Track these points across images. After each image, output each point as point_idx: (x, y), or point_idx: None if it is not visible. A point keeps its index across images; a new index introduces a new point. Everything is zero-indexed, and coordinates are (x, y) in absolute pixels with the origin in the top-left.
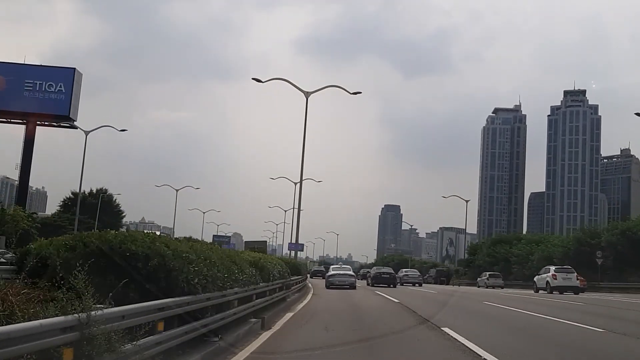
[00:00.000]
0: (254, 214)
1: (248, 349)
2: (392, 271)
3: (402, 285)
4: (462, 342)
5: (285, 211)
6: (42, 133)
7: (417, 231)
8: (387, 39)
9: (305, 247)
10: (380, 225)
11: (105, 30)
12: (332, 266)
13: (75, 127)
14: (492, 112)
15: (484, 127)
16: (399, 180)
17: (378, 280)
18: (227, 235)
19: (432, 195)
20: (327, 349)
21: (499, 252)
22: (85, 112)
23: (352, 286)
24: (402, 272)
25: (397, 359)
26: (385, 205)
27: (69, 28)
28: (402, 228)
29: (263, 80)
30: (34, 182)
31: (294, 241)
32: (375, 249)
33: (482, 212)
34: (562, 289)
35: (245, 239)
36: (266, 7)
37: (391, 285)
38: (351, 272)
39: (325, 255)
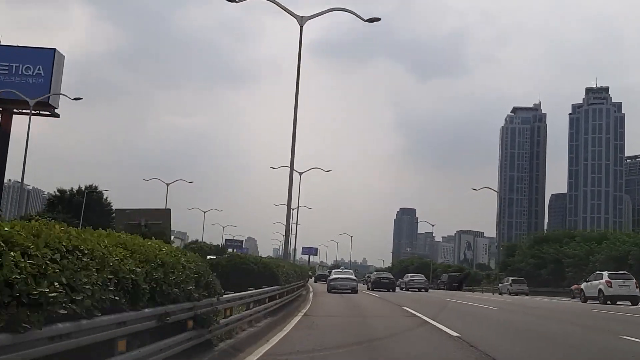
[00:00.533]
0: (266, 218)
1: None
2: (392, 276)
3: (408, 290)
4: None
5: (293, 209)
6: (40, 125)
7: (432, 235)
8: (400, 41)
9: (318, 250)
10: (396, 229)
11: (120, 35)
12: (333, 270)
13: (56, 115)
14: (511, 112)
15: (502, 126)
16: (413, 183)
17: (378, 285)
18: (239, 239)
19: (448, 198)
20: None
21: (546, 252)
22: (102, 115)
23: (354, 290)
24: (408, 277)
25: None
26: (400, 208)
27: (84, 34)
28: (418, 232)
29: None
30: (31, 181)
31: (303, 243)
32: (391, 252)
33: (501, 215)
34: (617, 299)
35: (259, 243)
36: (278, 10)
37: (390, 290)
38: (353, 277)
39: (339, 259)
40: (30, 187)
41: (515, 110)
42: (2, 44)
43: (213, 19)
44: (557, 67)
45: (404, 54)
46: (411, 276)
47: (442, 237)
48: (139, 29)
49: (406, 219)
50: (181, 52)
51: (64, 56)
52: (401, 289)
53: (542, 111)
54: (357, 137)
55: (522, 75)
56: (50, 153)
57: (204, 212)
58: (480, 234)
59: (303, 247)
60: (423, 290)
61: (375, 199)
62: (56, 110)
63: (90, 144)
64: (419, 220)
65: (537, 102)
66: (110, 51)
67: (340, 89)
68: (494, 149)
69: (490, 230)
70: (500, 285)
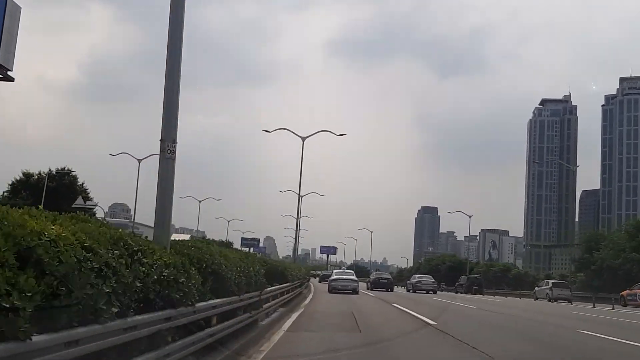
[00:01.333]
0: (284, 219)
1: None
2: (390, 277)
3: (415, 292)
4: None
5: (311, 218)
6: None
7: (454, 234)
8: (420, 39)
9: (337, 249)
10: (417, 228)
11: (140, 36)
12: (335, 270)
13: (10, 79)
14: (539, 104)
15: (530, 119)
16: (434, 182)
17: (376, 285)
18: (255, 238)
19: (470, 197)
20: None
21: None
22: (122, 117)
23: (355, 291)
24: (415, 278)
25: None
26: (422, 207)
27: (105, 35)
28: (440, 231)
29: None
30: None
31: (322, 242)
32: (412, 252)
33: (530, 212)
34: None
35: (277, 243)
36: (298, 10)
37: (388, 290)
38: (354, 277)
39: (359, 259)
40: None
41: (544, 102)
42: None
43: (232, 20)
44: (584, 62)
45: (424, 51)
46: (419, 277)
47: (465, 236)
48: (159, 29)
49: (427, 217)
50: (200, 53)
51: (20, 7)
52: (408, 290)
53: (572, 103)
54: (377, 136)
55: (547, 71)
56: (67, 152)
57: (198, 202)
58: (506, 233)
59: (321, 246)
60: (431, 292)
61: (396, 198)
62: (10, 74)
63: (108, 143)
64: (440, 220)
65: (567, 94)
66: (131, 52)
67: (360, 87)
68: (517, 146)
69: (516, 229)
70: (537, 289)
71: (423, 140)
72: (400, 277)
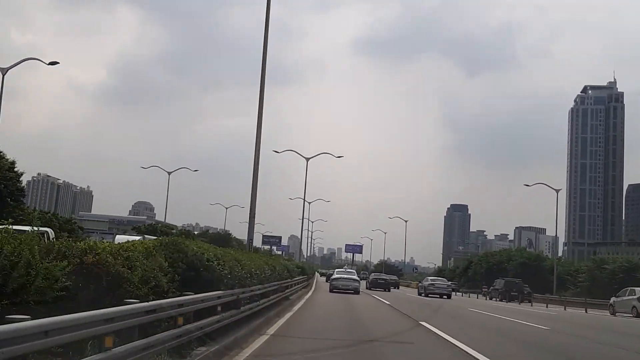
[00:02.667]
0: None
1: None
2: (387, 277)
3: (427, 296)
4: None
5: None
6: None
7: (484, 233)
8: (448, 36)
9: (362, 247)
10: (446, 226)
11: (166, 38)
12: (336, 270)
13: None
14: (581, 91)
15: (571, 108)
16: (463, 181)
17: (375, 285)
18: (276, 235)
19: (501, 195)
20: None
21: None
22: (149, 119)
23: (356, 291)
24: (428, 280)
25: None
26: (451, 205)
27: (132, 37)
28: (470, 230)
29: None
30: (79, 182)
31: (347, 240)
32: (441, 252)
33: (572, 208)
34: None
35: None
36: (322, 9)
37: (386, 290)
38: (355, 277)
39: (386, 258)
40: (61, 181)
41: (586, 89)
42: None
43: (256, 20)
44: (621, 57)
45: (451, 49)
46: (432, 280)
47: (495, 235)
48: (184, 31)
49: (457, 215)
50: (226, 54)
51: None
52: (420, 294)
53: (618, 90)
54: (403, 134)
55: (580, 68)
56: (89, 151)
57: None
58: (542, 231)
59: (346, 245)
60: (445, 296)
61: (423, 196)
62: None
63: (135, 145)
64: (471, 218)
65: (612, 80)
66: (157, 54)
67: (387, 86)
68: (553, 141)
69: (553, 226)
70: (614, 299)
71: (451, 138)
72: (441, 276)
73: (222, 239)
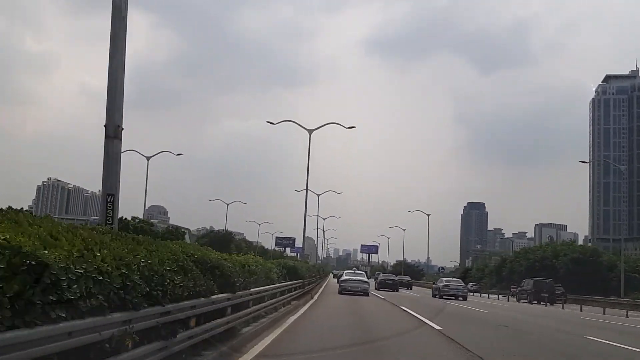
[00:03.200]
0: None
1: None
2: (395, 278)
3: (442, 298)
4: None
5: (338, 218)
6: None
7: (502, 231)
8: (460, 33)
9: (378, 247)
10: (463, 225)
11: (179, 42)
12: (345, 271)
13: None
14: (603, 81)
15: (592, 99)
16: (478, 179)
17: (383, 285)
18: (289, 237)
19: (518, 193)
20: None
21: None
22: (163, 123)
23: (365, 293)
24: (442, 281)
25: None
26: (468, 203)
27: (145, 42)
28: (488, 228)
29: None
30: (90, 186)
31: (362, 240)
32: (459, 251)
33: (595, 202)
34: None
35: (318, 244)
36: (333, 10)
37: (394, 290)
38: (365, 278)
39: (402, 258)
40: (72, 186)
41: (607, 78)
42: None
43: (267, 21)
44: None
45: (464, 46)
46: (446, 281)
47: (513, 233)
48: (196, 34)
49: (475, 214)
50: (238, 56)
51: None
52: (434, 295)
53: None
54: (417, 133)
55: (599, 60)
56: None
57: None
58: (564, 228)
59: (361, 245)
60: (460, 298)
61: (439, 195)
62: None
63: (147, 148)
64: (488, 216)
65: (635, 69)
66: (169, 58)
67: (399, 85)
68: (572, 136)
69: (575, 223)
70: None
71: (463, 136)
72: (466, 277)
73: (223, 239)
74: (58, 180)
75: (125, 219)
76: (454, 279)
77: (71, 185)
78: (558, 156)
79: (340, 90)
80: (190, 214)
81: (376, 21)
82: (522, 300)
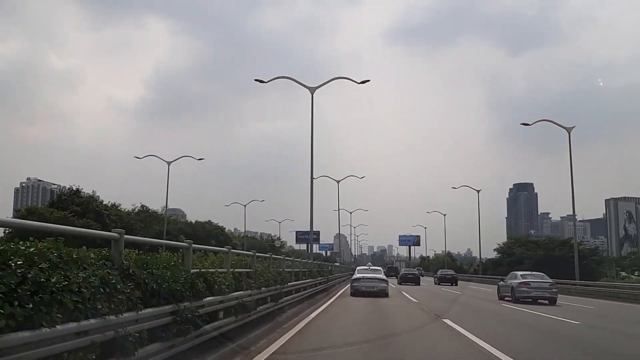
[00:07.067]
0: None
1: None
2: (417, 272)
3: (518, 302)
4: None
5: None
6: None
7: (549, 215)
8: (485, 15)
9: (419, 238)
10: (510, 208)
11: (200, 47)
12: (358, 268)
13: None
14: None
15: None
16: (514, 165)
17: (405, 280)
18: (312, 231)
19: (561, 178)
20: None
21: None
22: (191, 128)
23: (384, 292)
24: (517, 277)
25: None
26: (514, 184)
27: (166, 50)
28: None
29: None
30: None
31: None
32: (505, 239)
33: None
34: None
35: (349, 241)
36: (353, 2)
37: (415, 284)
38: (382, 276)
39: (444, 250)
40: (55, 186)
41: None
42: None
43: (287, 19)
44: None
45: (489, 28)
46: (523, 277)
47: (561, 217)
48: (216, 37)
49: (523, 196)
50: (259, 56)
51: None
52: (502, 297)
53: None
54: (446, 121)
55: (633, 32)
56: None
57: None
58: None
59: (400, 237)
60: (546, 302)
61: (477, 181)
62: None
63: (176, 152)
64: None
65: None
66: (192, 64)
67: (425, 73)
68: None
69: None
70: None
71: (496, 122)
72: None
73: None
74: (38, 180)
75: None
76: (532, 272)
77: (55, 186)
78: (599, 134)
79: (366, 83)
80: (217, 218)
81: (398, 10)
82: None
